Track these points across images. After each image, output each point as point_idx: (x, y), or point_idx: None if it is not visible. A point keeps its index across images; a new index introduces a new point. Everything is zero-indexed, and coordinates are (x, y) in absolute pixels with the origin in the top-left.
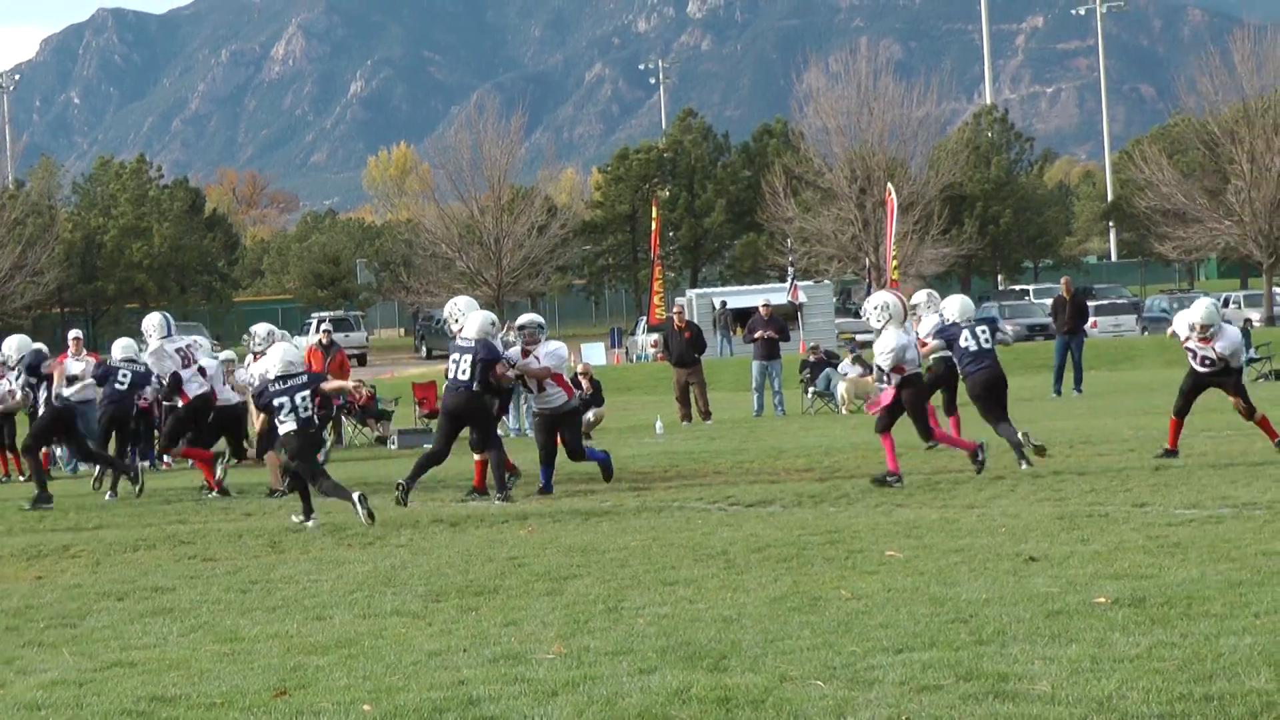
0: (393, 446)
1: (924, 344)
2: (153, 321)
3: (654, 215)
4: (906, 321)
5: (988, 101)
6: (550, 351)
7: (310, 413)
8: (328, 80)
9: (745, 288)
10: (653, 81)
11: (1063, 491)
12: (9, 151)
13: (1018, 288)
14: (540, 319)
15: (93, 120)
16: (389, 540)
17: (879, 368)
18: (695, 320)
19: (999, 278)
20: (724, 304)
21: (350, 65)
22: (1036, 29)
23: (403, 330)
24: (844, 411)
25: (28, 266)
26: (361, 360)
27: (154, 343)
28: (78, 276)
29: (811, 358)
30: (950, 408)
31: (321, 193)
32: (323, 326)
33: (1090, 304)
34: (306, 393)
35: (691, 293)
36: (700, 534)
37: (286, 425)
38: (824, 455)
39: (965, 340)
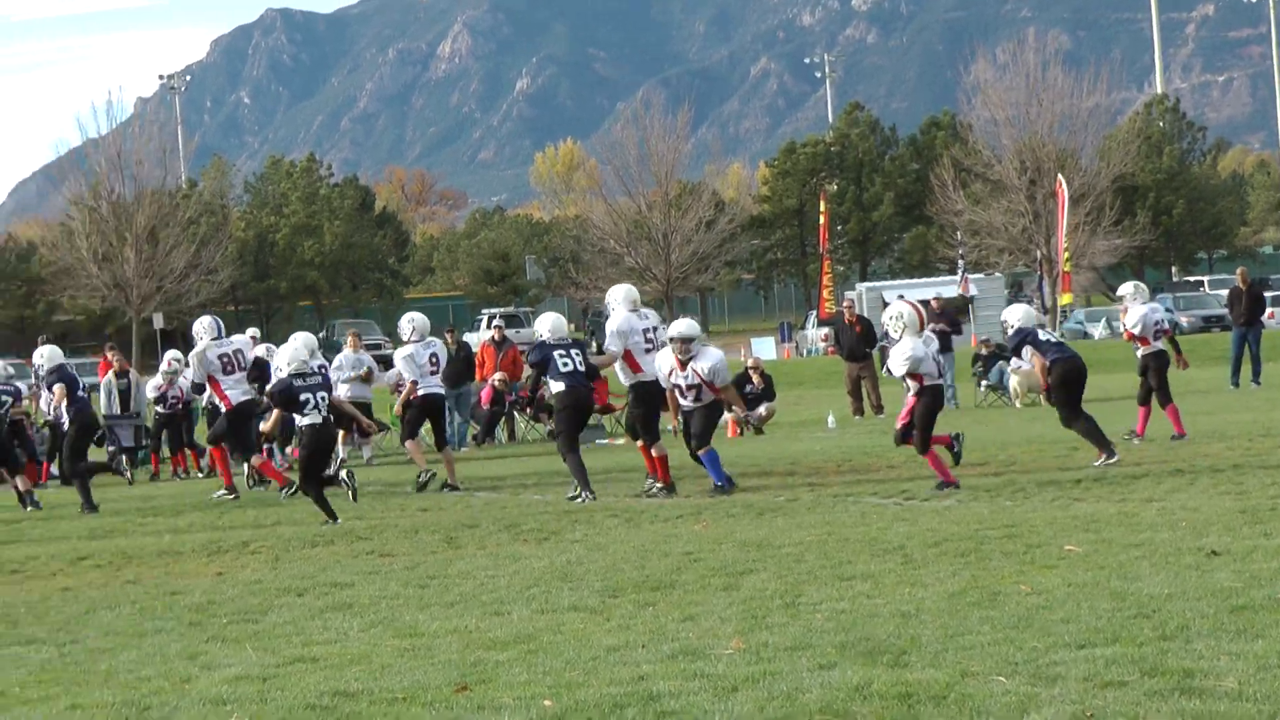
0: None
1: (1131, 335)
2: (203, 324)
3: (822, 209)
4: (924, 331)
5: (1158, 91)
6: (714, 367)
7: (326, 413)
8: (493, 78)
9: (915, 281)
10: (818, 75)
11: (1244, 485)
12: (182, 152)
13: (1192, 279)
14: (693, 330)
15: (263, 120)
16: (564, 535)
17: (891, 374)
18: (865, 314)
19: (1173, 269)
20: (900, 298)
21: (516, 62)
22: (1207, 17)
23: (573, 325)
24: (1017, 405)
25: (202, 265)
26: None
27: (201, 344)
28: (251, 275)
29: (984, 351)
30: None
31: (489, 189)
32: (494, 323)
33: (1267, 294)
34: (325, 393)
35: (861, 286)
36: (876, 529)
37: (308, 419)
38: (998, 449)
39: (1044, 334)
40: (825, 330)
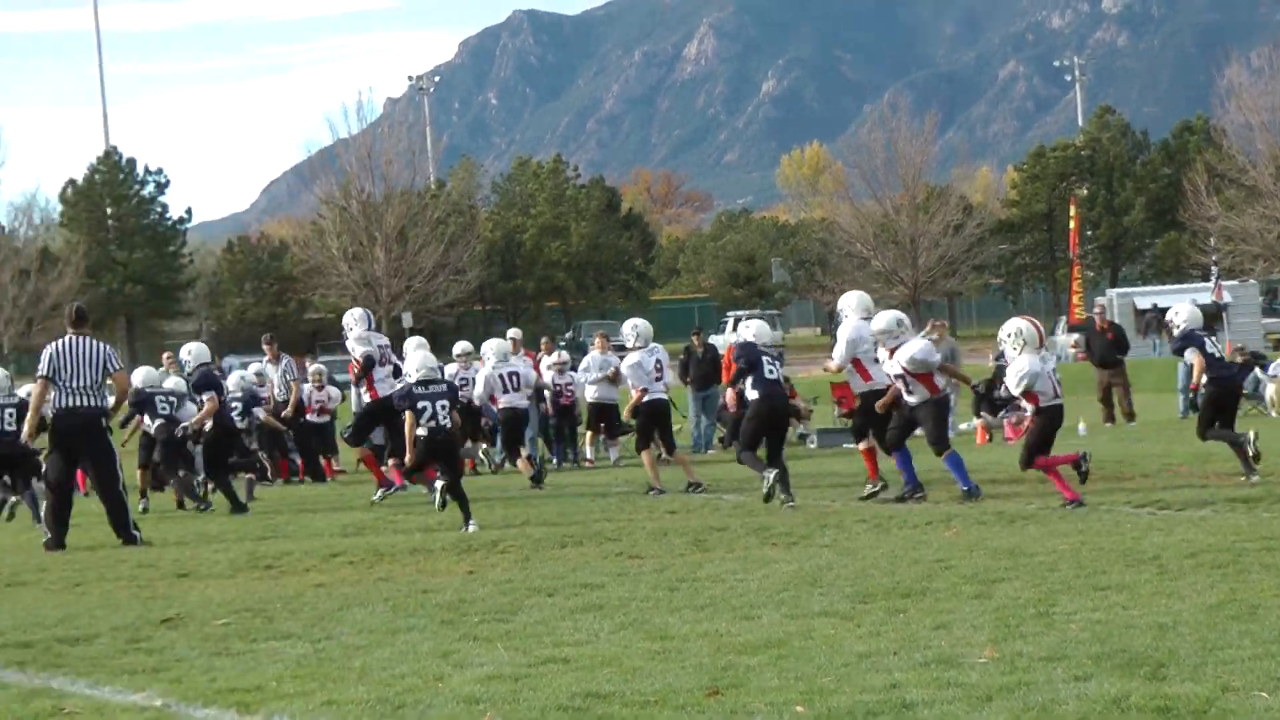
0: (811, 445)
1: None
2: (354, 315)
3: (1072, 214)
4: (1042, 349)
5: None
6: (914, 356)
7: (446, 421)
8: (739, 80)
9: (1167, 287)
10: (1068, 78)
11: None
12: (430, 152)
13: None
14: (895, 321)
15: (510, 121)
16: (814, 540)
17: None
18: (1117, 320)
19: None
20: (1154, 305)
21: (761, 64)
22: None
23: (819, 329)
24: (1273, 414)
25: (450, 265)
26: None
27: (358, 330)
28: (498, 275)
29: (1238, 359)
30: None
31: (735, 192)
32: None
33: None
34: (445, 401)
35: (1112, 292)
36: (1130, 538)
37: (423, 429)
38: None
39: (1210, 348)
40: (1075, 336)
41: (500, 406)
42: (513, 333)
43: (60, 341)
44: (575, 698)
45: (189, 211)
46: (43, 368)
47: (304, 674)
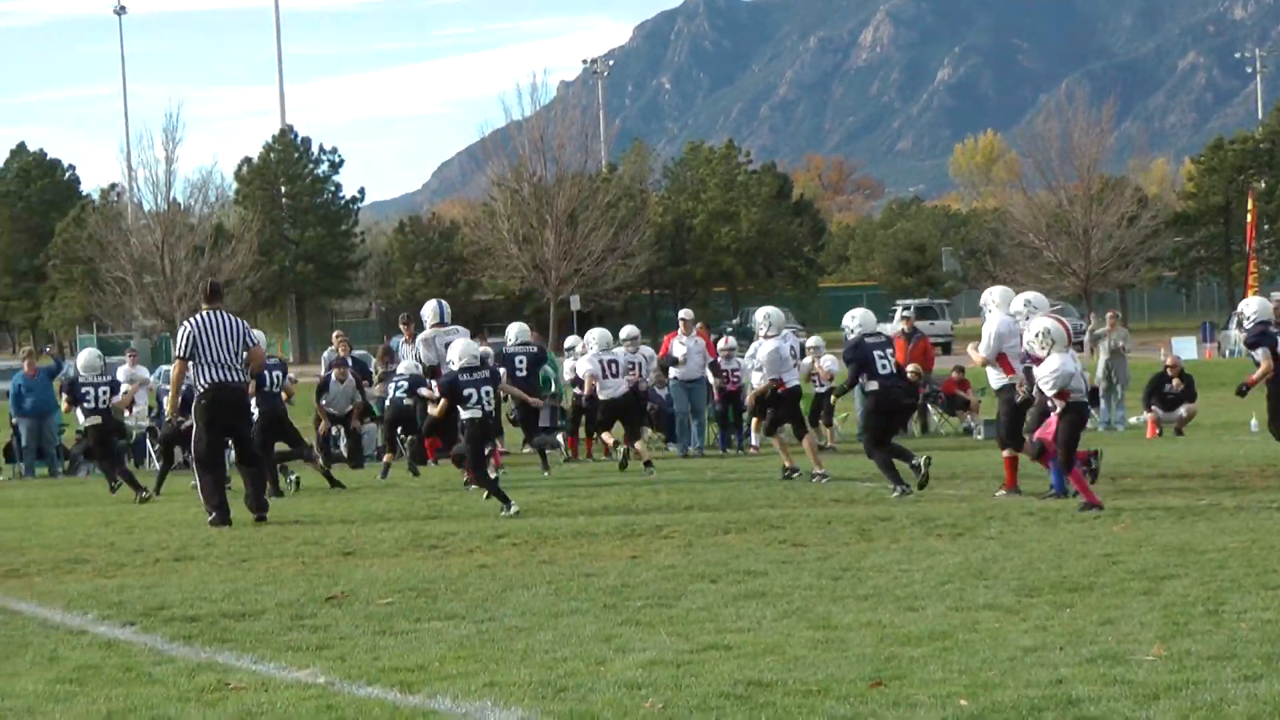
0: (978, 436)
1: None
2: (429, 308)
3: (1249, 207)
4: (1070, 348)
5: None
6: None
7: (491, 405)
8: (915, 67)
9: None
10: (1249, 70)
11: None
12: (603, 136)
13: None
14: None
15: (683, 105)
16: (979, 532)
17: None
18: None
19: None
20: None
21: (938, 52)
22: None
23: None
24: None
25: (619, 249)
26: (946, 349)
27: (426, 331)
28: (667, 259)
29: None
30: None
31: (906, 179)
32: (903, 314)
33: None
34: (490, 387)
35: None
36: None
37: (470, 413)
38: None
39: None
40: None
41: (601, 395)
42: (684, 313)
43: (198, 318)
44: (737, 685)
45: (361, 191)
46: (183, 348)
47: (467, 655)
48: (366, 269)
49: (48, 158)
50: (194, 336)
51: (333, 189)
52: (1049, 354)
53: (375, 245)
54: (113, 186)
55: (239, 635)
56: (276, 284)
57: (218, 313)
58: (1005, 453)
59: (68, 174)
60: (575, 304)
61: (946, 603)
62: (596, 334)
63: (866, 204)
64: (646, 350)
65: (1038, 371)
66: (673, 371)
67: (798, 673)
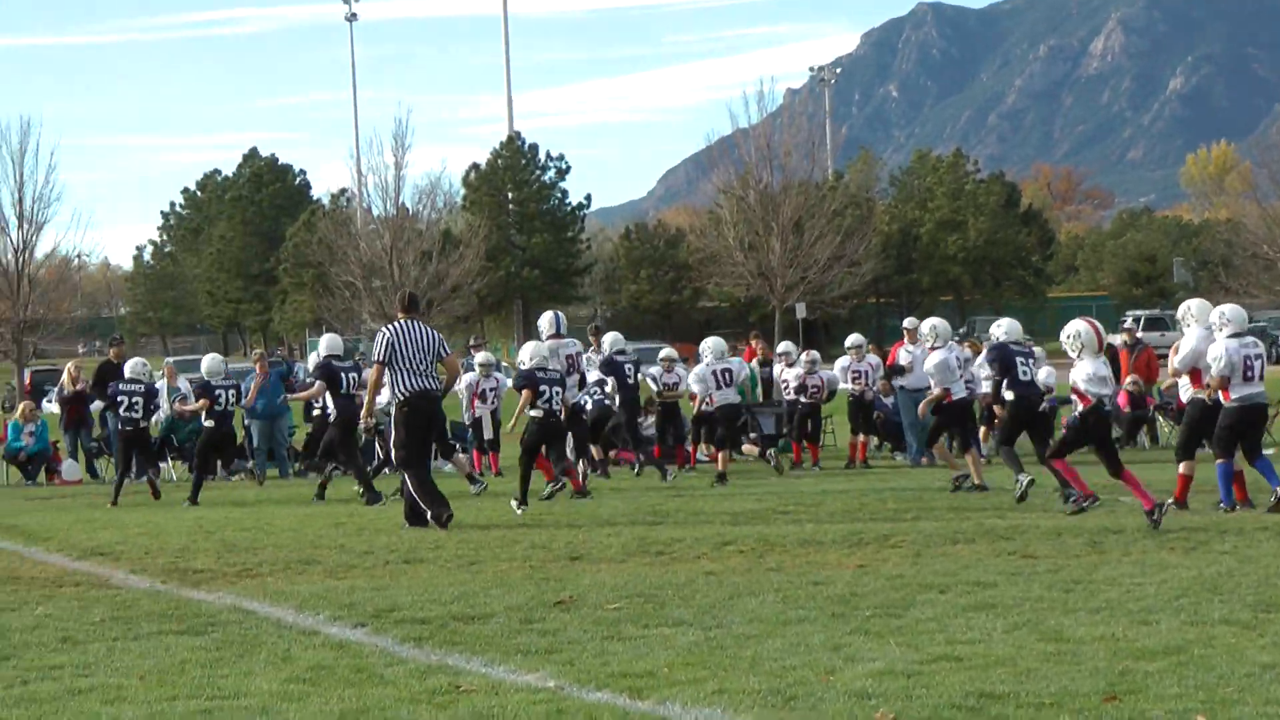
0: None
1: None
2: (546, 319)
3: None
4: (1101, 353)
5: None
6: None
7: (559, 406)
8: (1146, 76)
9: None
10: None
11: None
12: (829, 143)
13: None
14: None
15: (910, 113)
16: (1212, 546)
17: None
18: None
19: None
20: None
21: (1170, 61)
22: None
23: None
24: None
25: (845, 257)
26: None
27: (545, 341)
28: (893, 268)
29: None
30: None
31: (1136, 190)
32: (1125, 325)
33: None
34: (560, 389)
35: None
36: None
37: (536, 411)
38: None
39: None
40: None
41: (715, 403)
42: (909, 322)
43: (395, 326)
44: (969, 697)
45: (588, 198)
46: (381, 353)
47: (695, 661)
48: (592, 275)
49: (279, 162)
50: (393, 343)
51: (559, 195)
52: (1080, 357)
53: (601, 251)
54: (342, 191)
55: (468, 638)
56: (503, 289)
57: (414, 322)
58: (1181, 467)
59: (298, 179)
60: (801, 311)
61: (1181, 617)
62: (711, 343)
63: (1096, 214)
64: (872, 359)
65: (1072, 374)
66: (899, 380)
67: (1030, 685)
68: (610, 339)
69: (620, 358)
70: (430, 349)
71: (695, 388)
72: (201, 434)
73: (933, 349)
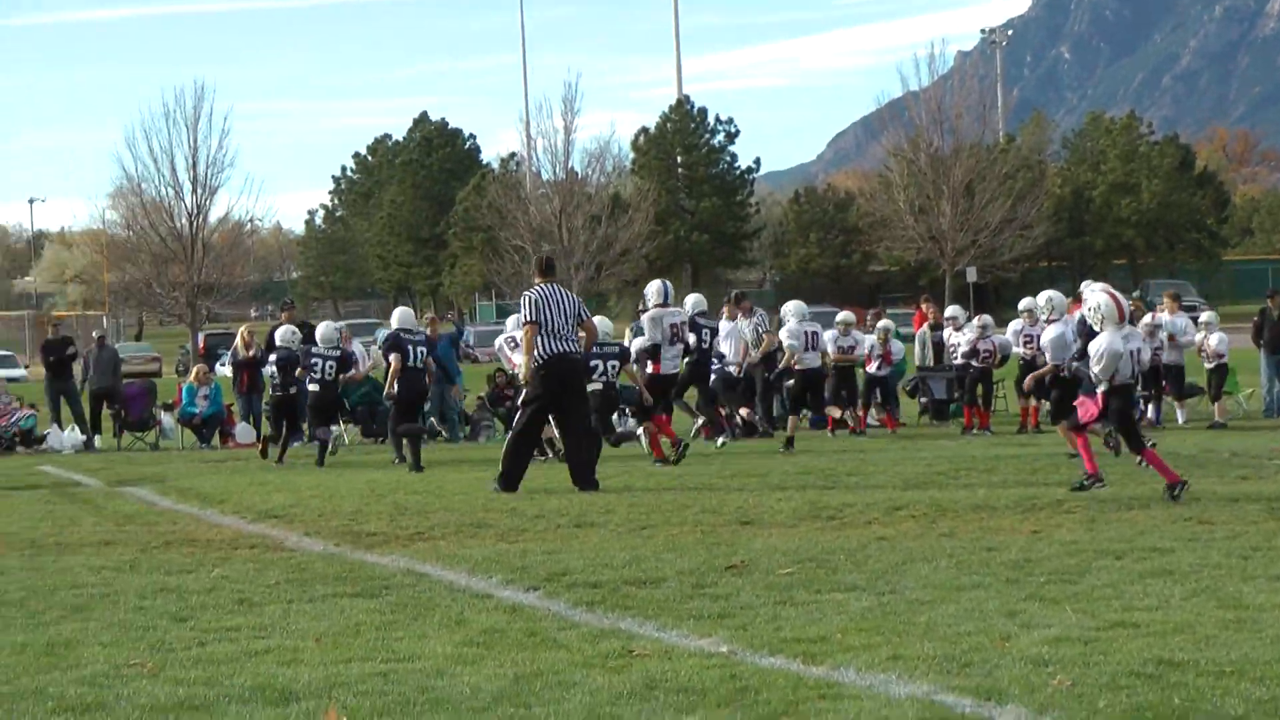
0: None
1: None
2: (653, 287)
3: None
4: (1124, 325)
5: None
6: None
7: (615, 378)
8: None
9: None
10: None
11: None
12: (1000, 106)
13: None
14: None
15: (1082, 75)
16: None
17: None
18: None
19: None
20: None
21: None
22: None
23: None
24: None
25: (1017, 220)
26: None
27: (651, 310)
28: (1065, 231)
29: None
30: None
31: None
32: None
33: None
34: (616, 362)
35: None
36: None
37: (593, 385)
38: None
39: None
40: None
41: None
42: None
43: (540, 287)
44: (1147, 664)
45: (757, 161)
46: (532, 314)
47: (869, 627)
48: (761, 239)
49: (449, 127)
50: (540, 304)
51: (728, 159)
52: (1101, 330)
53: (770, 216)
54: (512, 155)
55: (641, 602)
56: (672, 253)
57: (554, 286)
58: None
59: (468, 143)
60: (971, 275)
61: None
62: (793, 306)
63: (1272, 176)
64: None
65: (1090, 349)
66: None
67: (1210, 653)
68: (693, 300)
69: (701, 320)
70: (572, 313)
71: (791, 343)
72: (308, 398)
73: (1049, 322)
